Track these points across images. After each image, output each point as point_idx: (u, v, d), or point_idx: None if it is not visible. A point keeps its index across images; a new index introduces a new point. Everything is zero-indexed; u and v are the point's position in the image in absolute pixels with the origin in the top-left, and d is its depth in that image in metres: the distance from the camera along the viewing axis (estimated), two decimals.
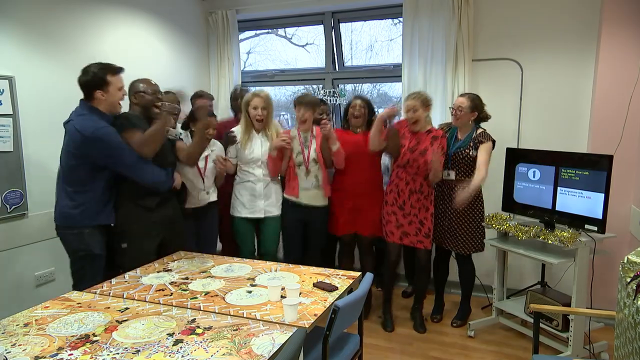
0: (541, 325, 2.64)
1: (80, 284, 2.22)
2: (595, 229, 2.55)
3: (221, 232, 3.05)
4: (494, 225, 2.93)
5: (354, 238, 3.12)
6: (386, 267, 3.02)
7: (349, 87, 4.62)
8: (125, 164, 2.26)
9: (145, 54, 3.56)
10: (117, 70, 2.30)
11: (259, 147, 2.89)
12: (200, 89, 3.70)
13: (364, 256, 3.15)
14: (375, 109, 3.16)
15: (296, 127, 2.98)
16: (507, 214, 3.02)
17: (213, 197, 2.85)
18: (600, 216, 2.53)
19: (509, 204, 3.04)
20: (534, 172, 2.89)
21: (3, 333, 1.58)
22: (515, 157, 3.02)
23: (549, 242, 2.61)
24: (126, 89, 2.45)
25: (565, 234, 2.55)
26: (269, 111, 2.87)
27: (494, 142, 2.90)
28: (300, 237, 2.99)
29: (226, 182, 2.94)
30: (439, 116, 3.49)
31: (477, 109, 2.89)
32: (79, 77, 2.28)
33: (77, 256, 2.30)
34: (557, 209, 2.74)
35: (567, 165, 2.70)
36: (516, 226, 2.81)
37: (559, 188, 2.74)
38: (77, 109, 2.32)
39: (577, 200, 2.65)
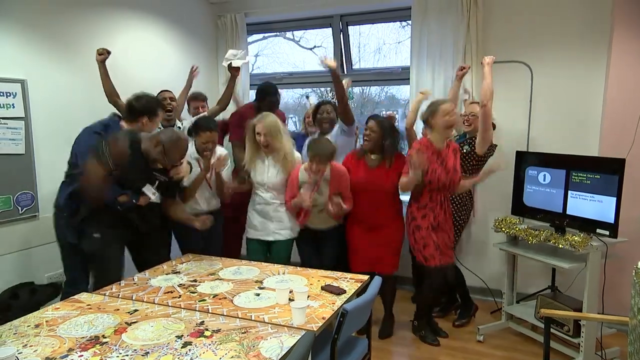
0: (552, 330, 2.61)
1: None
2: (607, 233, 2.52)
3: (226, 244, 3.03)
4: (503, 229, 2.91)
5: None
6: (427, 292, 2.84)
7: (356, 90, 4.62)
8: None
9: (154, 57, 3.60)
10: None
11: (263, 172, 2.76)
12: (209, 91, 3.73)
13: (386, 296, 2.99)
14: (397, 125, 2.93)
15: (307, 169, 2.71)
16: (517, 218, 2.99)
17: (214, 204, 2.80)
18: (612, 220, 2.50)
19: (519, 207, 3.01)
20: (544, 175, 2.87)
21: (15, 334, 1.60)
22: (525, 160, 3.00)
23: (560, 246, 2.59)
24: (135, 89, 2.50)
25: (576, 238, 2.53)
26: (272, 137, 2.67)
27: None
28: (314, 255, 2.84)
29: (237, 195, 2.91)
30: None
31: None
32: (131, 100, 2.43)
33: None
34: (567, 212, 2.72)
35: (578, 168, 2.67)
36: (526, 230, 2.78)
37: (569, 192, 2.71)
38: (109, 123, 2.42)
39: (588, 204, 2.62)
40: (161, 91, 3.08)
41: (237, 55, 3.12)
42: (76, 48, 3.00)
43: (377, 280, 1.99)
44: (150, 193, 2.32)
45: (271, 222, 2.77)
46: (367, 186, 2.77)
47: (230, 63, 3.10)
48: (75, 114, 2.90)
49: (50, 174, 2.77)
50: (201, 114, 3.19)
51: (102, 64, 2.74)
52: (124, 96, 2.89)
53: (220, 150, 2.78)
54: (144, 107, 2.43)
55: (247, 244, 2.87)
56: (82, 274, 2.46)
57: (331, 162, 2.69)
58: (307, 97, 3.50)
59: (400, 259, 2.95)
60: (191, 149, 2.68)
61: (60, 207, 2.44)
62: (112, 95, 2.76)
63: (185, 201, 2.64)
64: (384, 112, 3.74)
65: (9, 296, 2.53)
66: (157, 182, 2.38)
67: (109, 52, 2.73)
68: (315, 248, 2.86)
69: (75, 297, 1.94)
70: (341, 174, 2.76)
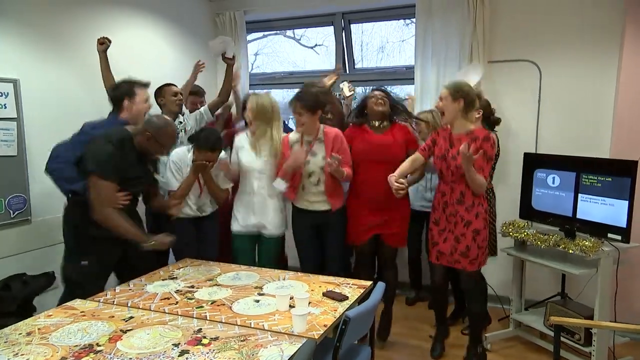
0: (562, 339, 2.59)
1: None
2: (619, 238, 2.51)
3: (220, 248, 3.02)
4: (511, 233, 2.90)
5: (375, 247, 2.82)
6: (483, 304, 2.84)
7: (359, 89, 4.63)
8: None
9: (151, 56, 3.60)
10: (143, 85, 2.52)
11: (252, 156, 2.68)
12: (207, 90, 3.74)
13: (387, 270, 2.87)
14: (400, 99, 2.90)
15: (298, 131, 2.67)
16: (525, 222, 2.99)
17: (208, 209, 2.77)
18: (624, 224, 2.49)
19: (527, 211, 3.01)
20: (554, 178, 2.86)
21: (5, 342, 1.60)
22: (534, 162, 2.99)
23: (570, 251, 2.58)
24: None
25: (587, 243, 2.52)
26: (257, 119, 2.63)
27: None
28: (314, 247, 2.72)
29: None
30: None
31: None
32: (108, 92, 2.49)
33: None
34: (578, 216, 2.71)
35: (588, 171, 2.67)
36: (535, 234, 2.78)
37: (579, 195, 2.71)
38: (105, 122, 2.43)
39: (599, 208, 2.61)
40: (168, 85, 3.02)
41: (222, 44, 3.10)
42: (72, 46, 3.00)
43: (381, 287, 1.99)
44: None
45: (257, 214, 2.67)
46: (372, 155, 2.66)
47: (224, 53, 3.10)
48: (71, 115, 2.89)
49: (43, 176, 2.76)
50: (198, 110, 3.21)
51: (103, 53, 2.75)
52: None
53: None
54: (121, 92, 2.44)
55: (233, 241, 2.74)
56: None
57: (317, 111, 2.57)
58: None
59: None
60: (188, 154, 2.65)
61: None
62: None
63: (170, 204, 2.53)
64: (405, 96, 3.71)
65: (0, 288, 2.51)
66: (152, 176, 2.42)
67: (110, 41, 2.73)
68: (315, 237, 2.70)
69: (69, 303, 1.93)
70: (336, 134, 2.64)
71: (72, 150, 2.31)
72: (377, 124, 2.77)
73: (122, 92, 2.44)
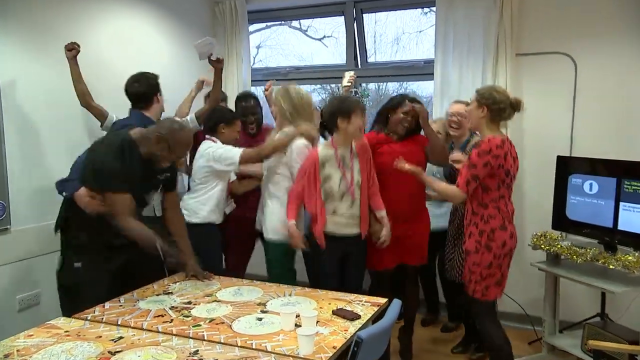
0: None
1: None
2: None
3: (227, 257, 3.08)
4: (542, 246, 2.89)
5: (395, 269, 2.85)
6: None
7: (371, 86, 4.64)
8: None
9: (144, 49, 3.64)
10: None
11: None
12: (205, 88, 3.76)
13: (412, 287, 2.96)
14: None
15: (329, 144, 2.62)
16: (559, 233, 2.97)
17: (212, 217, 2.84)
18: None
19: (561, 221, 2.99)
20: (591, 184, 2.84)
21: None
22: (568, 166, 2.98)
23: (610, 267, 2.55)
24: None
25: (630, 258, 2.49)
26: (275, 105, 2.75)
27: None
28: (338, 279, 2.65)
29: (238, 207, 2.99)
30: None
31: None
32: (131, 87, 2.64)
33: None
34: (619, 227, 2.69)
35: (631, 176, 2.65)
36: (570, 247, 2.76)
37: (621, 203, 2.68)
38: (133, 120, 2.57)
39: None
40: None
41: (208, 45, 3.13)
42: (55, 42, 2.99)
43: (397, 304, 1.98)
44: (155, 196, 2.44)
45: (260, 214, 2.79)
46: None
47: (210, 55, 3.12)
48: (55, 119, 2.94)
49: (24, 182, 2.80)
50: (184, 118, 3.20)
51: (72, 60, 2.78)
52: (110, 97, 2.94)
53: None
54: (151, 86, 2.68)
55: None
56: None
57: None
58: None
59: None
60: None
61: None
62: (84, 96, 2.82)
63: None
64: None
65: None
66: (160, 186, 2.44)
67: (79, 46, 2.78)
68: (340, 267, 2.66)
69: (52, 322, 1.94)
70: (362, 143, 2.66)
71: None
72: (396, 136, 2.81)
73: (153, 87, 2.59)
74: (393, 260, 2.80)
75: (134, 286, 2.32)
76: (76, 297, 2.27)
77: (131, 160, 2.22)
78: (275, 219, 2.68)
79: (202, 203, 2.76)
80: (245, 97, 3.33)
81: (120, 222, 2.18)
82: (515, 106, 2.42)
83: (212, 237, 2.82)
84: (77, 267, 2.30)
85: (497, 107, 2.40)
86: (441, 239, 3.14)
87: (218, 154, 2.70)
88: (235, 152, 2.68)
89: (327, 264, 2.62)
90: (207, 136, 2.86)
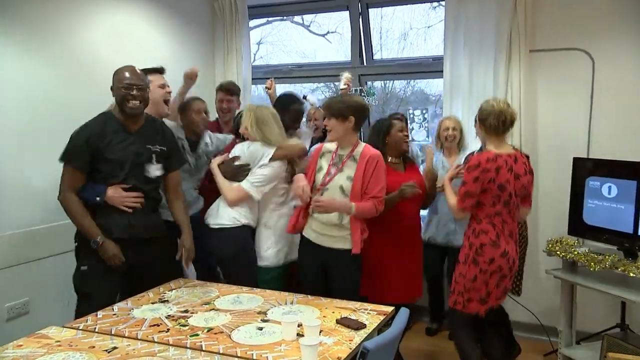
0: None
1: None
2: None
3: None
4: (558, 253, 2.88)
5: None
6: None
7: (377, 84, 4.65)
8: None
9: (140, 46, 3.65)
10: (156, 70, 2.74)
11: None
12: (205, 85, 3.78)
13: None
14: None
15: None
16: (575, 239, 2.96)
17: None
18: None
19: (577, 226, 2.98)
20: (610, 187, 2.84)
21: None
22: (585, 169, 2.98)
23: (631, 274, 2.55)
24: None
25: None
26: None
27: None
28: (322, 286, 2.60)
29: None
30: None
31: None
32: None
33: None
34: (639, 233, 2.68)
35: None
36: (587, 254, 2.75)
37: None
38: None
39: None
40: (193, 99, 3.03)
41: None
42: (46, 35, 3.01)
43: (404, 313, 1.98)
44: (156, 170, 2.49)
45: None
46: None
47: None
48: (45, 114, 2.95)
49: (11, 184, 2.80)
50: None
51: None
52: (108, 94, 2.95)
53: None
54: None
55: None
56: None
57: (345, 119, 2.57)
58: (305, 97, 3.48)
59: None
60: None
61: None
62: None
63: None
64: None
65: None
66: (154, 156, 2.49)
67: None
68: (323, 278, 2.61)
69: (42, 332, 1.95)
70: (372, 155, 2.54)
71: None
72: (393, 160, 2.89)
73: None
74: (401, 297, 2.69)
75: (146, 287, 2.43)
76: (84, 301, 2.37)
77: (112, 129, 2.39)
78: (265, 247, 2.75)
79: None
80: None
81: (60, 197, 2.36)
82: (499, 115, 2.47)
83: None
84: (84, 270, 2.40)
85: (483, 117, 2.53)
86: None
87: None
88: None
89: (304, 271, 2.66)
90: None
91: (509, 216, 2.50)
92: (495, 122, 2.48)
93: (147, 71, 2.60)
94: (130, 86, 2.37)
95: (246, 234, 2.74)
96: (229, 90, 3.43)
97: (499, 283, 2.49)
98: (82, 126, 2.40)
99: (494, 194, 2.44)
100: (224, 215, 2.70)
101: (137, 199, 2.41)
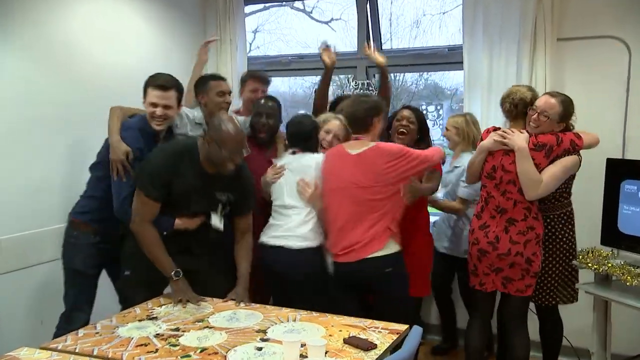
0: None
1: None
2: None
3: None
4: (590, 265, 2.88)
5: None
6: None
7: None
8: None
9: (125, 35, 3.67)
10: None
11: None
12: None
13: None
14: (431, 124, 3.21)
15: None
16: (609, 250, 2.97)
17: None
18: None
19: (611, 235, 2.99)
20: None
21: None
22: (620, 171, 2.98)
23: None
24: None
25: None
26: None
27: None
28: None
29: None
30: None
31: (565, 119, 2.81)
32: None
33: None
34: None
35: None
36: (622, 266, 2.75)
37: None
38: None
39: None
40: (213, 77, 3.13)
41: None
42: (22, 23, 3.03)
43: (417, 332, 1.99)
44: (218, 222, 2.61)
45: None
46: None
47: None
48: (26, 114, 2.97)
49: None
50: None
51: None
52: (86, 89, 2.97)
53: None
54: None
55: None
56: (84, 305, 2.73)
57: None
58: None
59: None
60: None
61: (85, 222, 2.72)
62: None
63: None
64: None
65: None
66: (220, 205, 2.60)
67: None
68: None
69: (12, 353, 1.94)
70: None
71: None
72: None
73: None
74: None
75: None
76: (125, 308, 2.52)
77: (187, 167, 2.49)
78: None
79: None
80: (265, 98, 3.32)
81: (133, 225, 2.49)
82: (510, 96, 2.85)
83: None
84: (127, 274, 2.62)
85: (500, 103, 2.95)
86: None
87: None
88: None
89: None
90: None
91: (496, 191, 2.81)
92: (509, 105, 2.85)
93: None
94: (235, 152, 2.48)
95: None
96: (263, 79, 3.49)
97: (480, 257, 2.84)
98: (158, 152, 2.56)
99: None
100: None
101: (193, 221, 2.60)
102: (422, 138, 3.14)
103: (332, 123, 2.96)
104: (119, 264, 2.69)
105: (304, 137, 2.90)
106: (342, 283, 2.73)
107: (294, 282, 2.72)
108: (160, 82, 2.66)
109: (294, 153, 2.91)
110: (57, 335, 2.48)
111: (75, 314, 2.68)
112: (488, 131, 2.94)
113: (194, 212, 2.58)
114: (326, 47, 3.33)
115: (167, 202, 2.50)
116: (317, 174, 2.80)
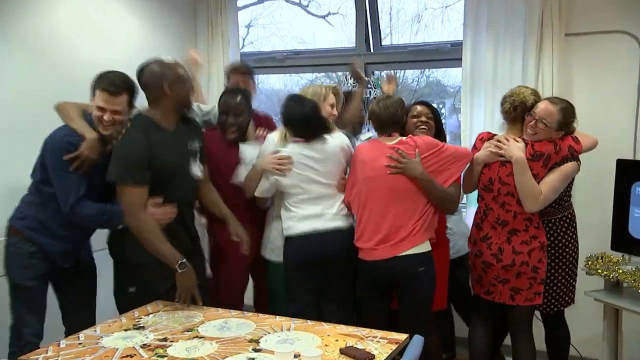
0: None
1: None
2: None
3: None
4: (599, 271, 2.89)
5: None
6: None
7: (386, 73, 4.67)
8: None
9: (114, 30, 3.68)
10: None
11: None
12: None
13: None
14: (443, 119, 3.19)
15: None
16: (620, 255, 2.97)
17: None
18: None
19: (622, 240, 2.99)
20: None
21: None
22: (632, 172, 2.99)
23: None
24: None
25: None
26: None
27: None
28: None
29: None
30: None
31: (564, 127, 2.78)
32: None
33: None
34: None
35: None
36: (634, 273, 2.76)
37: None
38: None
39: None
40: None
41: None
42: (6, 18, 3.04)
43: (418, 342, 1.99)
44: (199, 171, 2.68)
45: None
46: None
47: None
48: (8, 113, 2.97)
49: None
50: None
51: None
52: (71, 85, 2.96)
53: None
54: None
55: None
56: (31, 320, 2.62)
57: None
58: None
59: None
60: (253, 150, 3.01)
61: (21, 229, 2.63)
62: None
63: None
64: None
65: None
66: (197, 154, 2.70)
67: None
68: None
69: None
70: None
71: None
72: None
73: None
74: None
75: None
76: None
77: (155, 136, 2.52)
78: (281, 238, 2.94)
79: None
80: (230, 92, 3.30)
81: (133, 221, 2.46)
82: (511, 98, 2.81)
83: None
84: (131, 291, 2.61)
85: (500, 103, 2.92)
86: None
87: None
88: None
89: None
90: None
91: (495, 203, 2.81)
92: (508, 106, 2.82)
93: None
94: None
95: None
96: (244, 70, 3.47)
97: (484, 268, 2.85)
98: (125, 139, 2.50)
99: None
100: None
101: (170, 212, 2.57)
102: (439, 132, 3.13)
103: (330, 96, 3.02)
104: (67, 278, 2.71)
105: (313, 125, 2.86)
106: (370, 282, 2.78)
107: (342, 261, 2.86)
108: (109, 85, 2.51)
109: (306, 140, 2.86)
110: (11, 351, 2.48)
111: (23, 329, 2.61)
112: (482, 139, 2.94)
113: (185, 172, 2.63)
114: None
115: (152, 182, 2.50)
116: (347, 157, 2.90)
